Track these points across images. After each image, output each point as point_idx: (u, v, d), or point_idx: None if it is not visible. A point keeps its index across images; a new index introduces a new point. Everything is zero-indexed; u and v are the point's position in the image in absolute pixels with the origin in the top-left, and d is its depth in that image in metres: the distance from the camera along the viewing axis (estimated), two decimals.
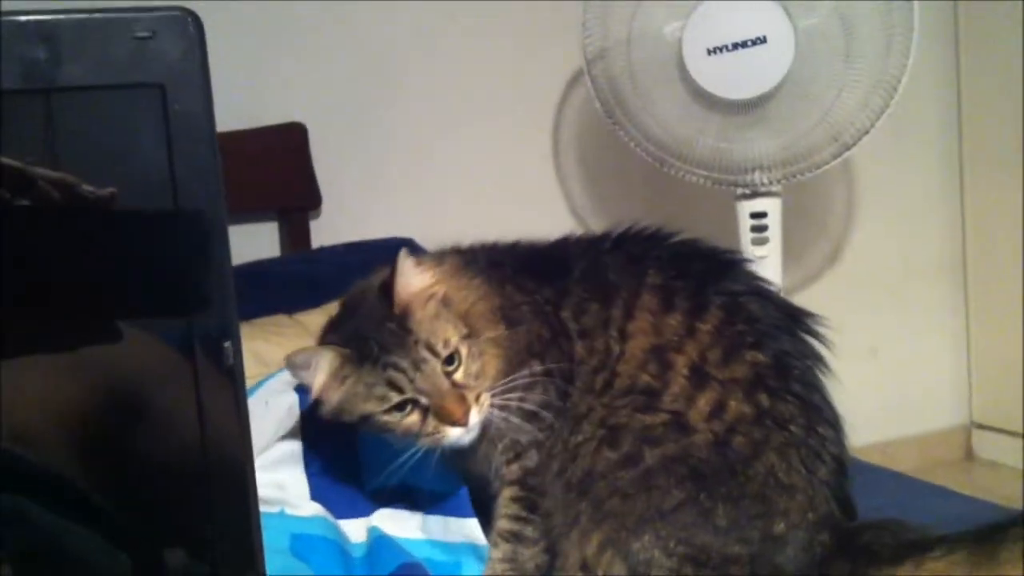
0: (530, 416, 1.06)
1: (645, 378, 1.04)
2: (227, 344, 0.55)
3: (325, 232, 1.97)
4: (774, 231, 1.87)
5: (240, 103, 1.92)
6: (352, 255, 1.88)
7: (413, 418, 1.03)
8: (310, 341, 1.65)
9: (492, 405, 1.04)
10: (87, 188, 0.54)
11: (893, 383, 2.46)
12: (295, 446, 1.13)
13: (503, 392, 1.05)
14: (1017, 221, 2.36)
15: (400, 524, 1.12)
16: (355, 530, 1.10)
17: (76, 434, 0.56)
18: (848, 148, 1.80)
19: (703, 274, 1.08)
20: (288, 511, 1.09)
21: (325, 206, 1.98)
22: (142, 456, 0.56)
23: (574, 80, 2.15)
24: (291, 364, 1.06)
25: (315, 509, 1.09)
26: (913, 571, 0.97)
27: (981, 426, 2.53)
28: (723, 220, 1.85)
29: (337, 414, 1.05)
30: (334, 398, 1.04)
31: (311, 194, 1.97)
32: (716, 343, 1.03)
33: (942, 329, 2.53)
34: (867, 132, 1.78)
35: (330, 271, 1.85)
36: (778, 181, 1.84)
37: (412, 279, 1.10)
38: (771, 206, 1.86)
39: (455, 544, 1.11)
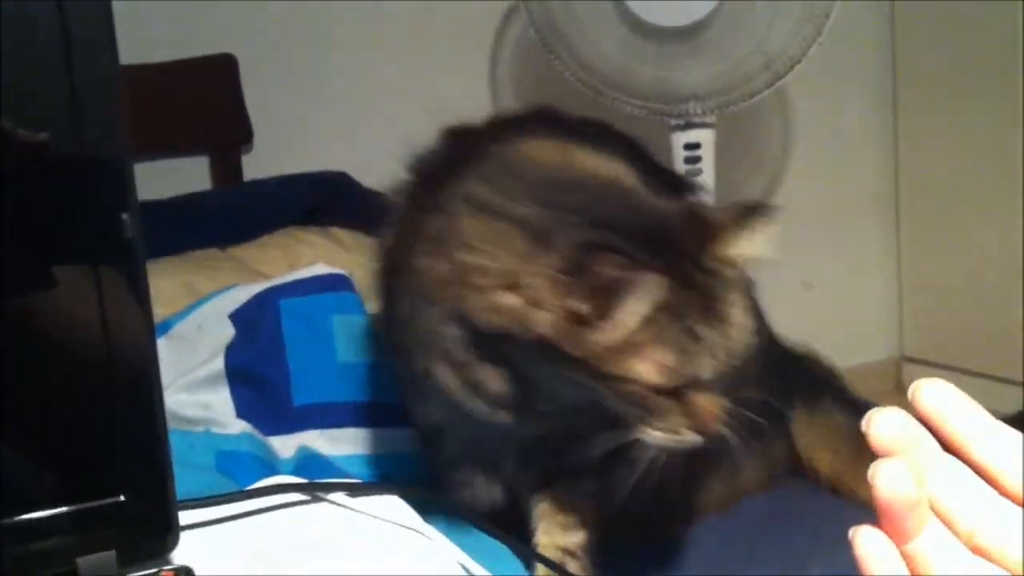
0: None
1: None
2: (125, 216, 0.54)
3: (257, 166, 1.93)
4: (707, 163, 1.87)
5: (167, 34, 1.87)
6: (285, 188, 1.85)
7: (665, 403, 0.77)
8: (244, 275, 1.64)
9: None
10: (22, 133, 0.52)
11: (825, 316, 2.49)
12: (219, 366, 1.11)
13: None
14: (950, 154, 2.40)
15: (334, 444, 1.12)
16: (283, 446, 1.10)
17: None
18: (780, 77, 1.80)
19: None
20: (214, 430, 1.08)
21: (257, 140, 1.95)
22: (40, 340, 0.54)
23: (512, 12, 2.12)
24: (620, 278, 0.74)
25: (242, 427, 1.08)
26: None
27: (911, 359, 2.58)
28: (659, 152, 1.85)
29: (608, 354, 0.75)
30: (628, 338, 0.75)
31: (242, 128, 1.93)
32: None
33: (874, 263, 2.56)
34: (799, 61, 1.79)
35: (263, 205, 1.82)
36: (712, 111, 1.84)
37: (752, 236, 0.82)
38: (705, 137, 1.86)
39: (391, 457, 1.11)
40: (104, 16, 0.56)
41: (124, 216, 0.53)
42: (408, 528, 0.60)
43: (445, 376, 0.84)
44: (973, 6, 2.27)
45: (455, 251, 0.82)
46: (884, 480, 0.40)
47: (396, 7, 2.05)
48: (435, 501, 0.67)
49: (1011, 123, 2.23)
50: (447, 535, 0.72)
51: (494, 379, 0.81)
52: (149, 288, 0.56)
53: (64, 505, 0.54)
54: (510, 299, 0.77)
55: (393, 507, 0.61)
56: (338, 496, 0.60)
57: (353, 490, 0.61)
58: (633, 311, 0.74)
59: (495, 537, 0.72)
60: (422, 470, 1.11)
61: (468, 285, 0.80)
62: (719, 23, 1.76)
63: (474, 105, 2.15)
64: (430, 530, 0.61)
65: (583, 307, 0.75)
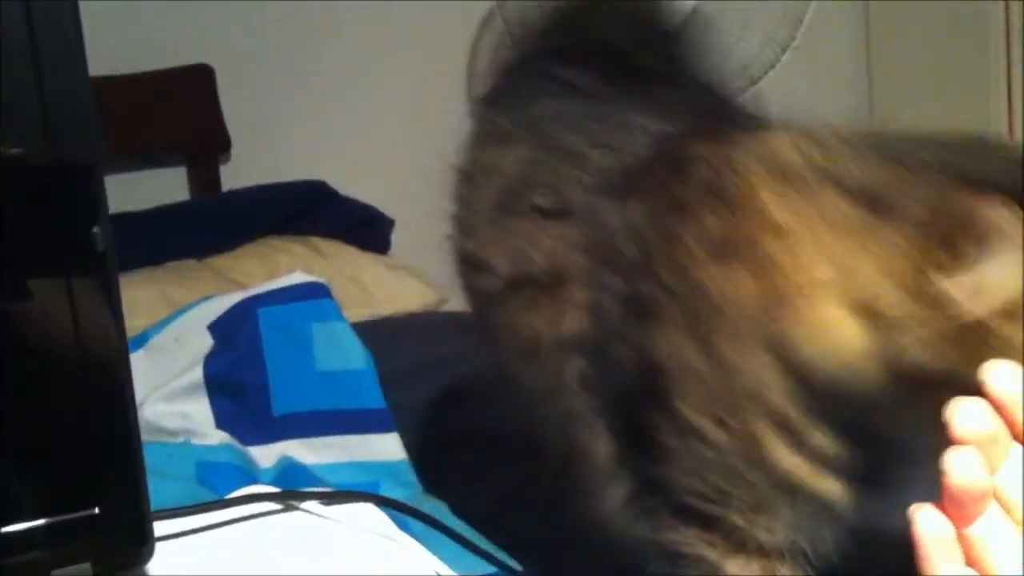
0: None
1: None
2: (96, 230, 0.54)
3: (235, 176, 1.93)
4: None
5: (143, 44, 1.87)
6: (262, 197, 1.85)
7: None
8: (222, 285, 1.64)
9: None
10: None
11: None
12: (198, 376, 1.11)
13: None
14: None
15: (314, 452, 1.12)
16: (264, 456, 1.10)
17: None
18: (755, 82, 1.82)
19: None
20: (193, 440, 1.08)
21: (235, 150, 1.95)
22: (12, 354, 0.55)
23: (489, 19, 2.13)
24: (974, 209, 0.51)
25: (221, 437, 1.08)
26: None
27: None
28: None
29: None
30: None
31: (219, 138, 1.93)
32: None
33: None
34: (773, 67, 1.80)
35: (240, 214, 1.83)
36: None
37: None
38: None
39: (373, 464, 1.11)
40: (72, 28, 0.56)
41: (95, 231, 0.54)
42: (383, 536, 0.60)
43: (770, 442, 0.60)
44: (949, 9, 2.29)
45: (761, 241, 0.58)
46: (957, 469, 0.42)
47: (372, 16, 2.06)
48: (410, 510, 0.68)
49: (989, 126, 2.25)
50: (423, 543, 0.73)
51: (827, 440, 0.59)
52: (121, 301, 0.56)
53: (38, 518, 0.54)
54: (843, 313, 0.55)
55: (367, 515, 0.62)
56: (312, 505, 0.61)
57: (327, 499, 0.62)
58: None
59: (472, 550, 0.72)
60: (405, 476, 1.11)
61: (787, 294, 0.57)
62: (693, 28, 1.77)
63: (451, 113, 2.15)
64: (405, 538, 0.62)
65: (945, 264, 0.52)
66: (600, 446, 0.68)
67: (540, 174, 0.74)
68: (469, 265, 0.80)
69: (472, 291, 0.81)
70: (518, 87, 0.85)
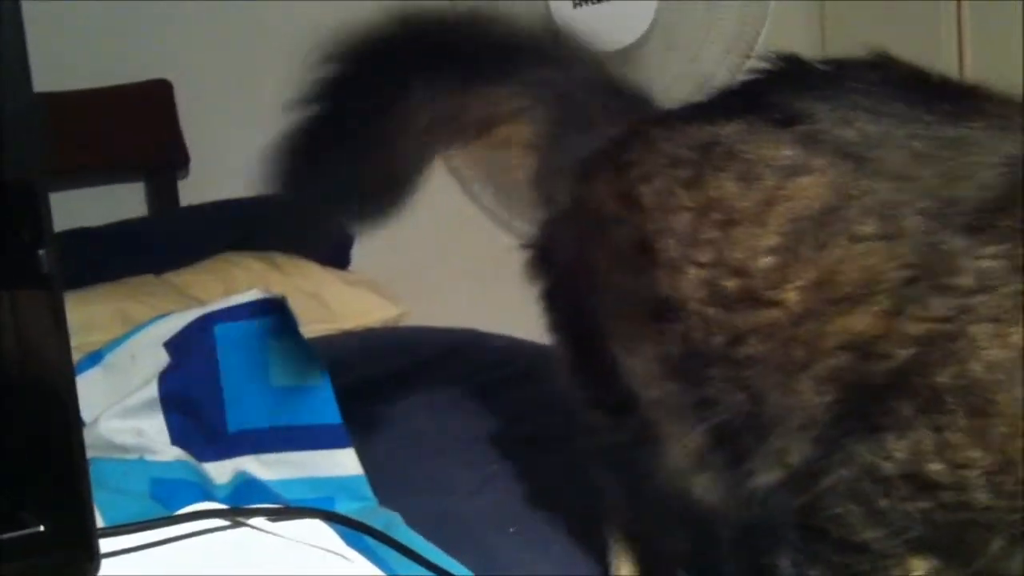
0: None
1: None
2: (42, 253, 0.54)
3: (194, 192, 1.93)
4: None
5: (102, 59, 1.87)
6: (221, 213, 1.85)
7: None
8: (180, 301, 1.63)
9: None
10: None
11: None
12: (153, 392, 1.11)
13: None
14: None
15: (269, 468, 1.12)
16: (219, 472, 1.10)
17: None
18: None
19: None
20: (148, 457, 1.08)
21: (193, 165, 1.94)
22: None
23: None
24: None
25: (176, 454, 1.08)
26: None
27: None
28: None
29: None
30: None
31: (178, 153, 1.92)
32: None
33: None
34: (734, 76, 1.83)
35: (199, 230, 1.83)
36: None
37: None
38: None
39: (328, 480, 1.12)
40: (16, 48, 0.55)
41: (41, 253, 0.54)
42: (329, 552, 0.61)
43: None
44: (904, 29, 2.33)
45: None
46: None
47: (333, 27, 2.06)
48: (357, 524, 0.69)
49: None
50: (377, 557, 0.74)
51: None
52: (67, 321, 0.57)
53: None
54: None
55: (315, 531, 0.62)
56: (259, 521, 0.61)
57: (275, 515, 0.63)
58: None
59: (421, 563, 0.73)
60: (360, 491, 1.12)
61: None
62: (653, 44, 1.80)
63: None
64: (352, 554, 0.63)
65: None
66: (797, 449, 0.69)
67: (859, 202, 0.68)
68: (737, 303, 0.71)
69: (733, 328, 0.72)
70: (798, 112, 0.76)
